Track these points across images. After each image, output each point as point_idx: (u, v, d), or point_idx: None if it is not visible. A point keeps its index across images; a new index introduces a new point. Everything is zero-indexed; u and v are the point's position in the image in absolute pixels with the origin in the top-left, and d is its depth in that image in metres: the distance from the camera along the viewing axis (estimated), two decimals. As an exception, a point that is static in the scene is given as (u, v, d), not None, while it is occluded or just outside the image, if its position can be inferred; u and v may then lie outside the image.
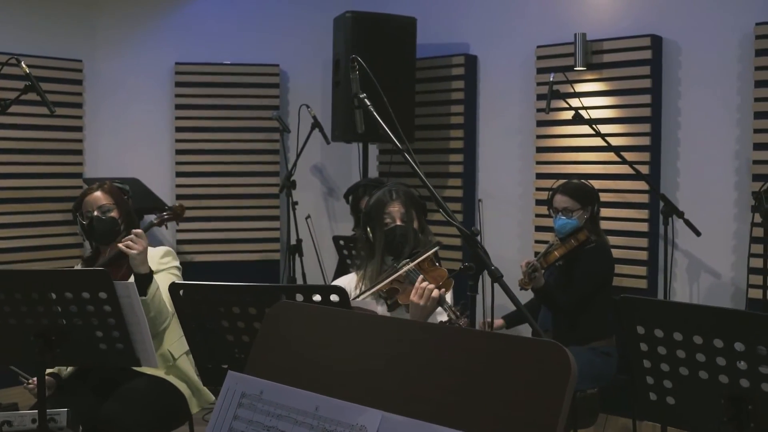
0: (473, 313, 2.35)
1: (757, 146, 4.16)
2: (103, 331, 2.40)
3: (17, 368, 2.94)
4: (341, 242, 4.05)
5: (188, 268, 4.24)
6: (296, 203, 5.06)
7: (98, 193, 3.06)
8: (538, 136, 4.92)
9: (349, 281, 2.88)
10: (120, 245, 2.85)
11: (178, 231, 5.62)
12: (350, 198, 4.16)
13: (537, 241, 4.87)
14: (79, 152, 5.54)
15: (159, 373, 2.93)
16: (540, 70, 4.87)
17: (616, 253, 4.01)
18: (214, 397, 3.05)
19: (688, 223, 3.96)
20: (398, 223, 2.82)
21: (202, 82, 5.63)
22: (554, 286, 3.75)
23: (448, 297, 2.67)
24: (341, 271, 4.00)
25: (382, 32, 4.94)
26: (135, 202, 3.25)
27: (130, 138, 5.67)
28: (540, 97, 4.80)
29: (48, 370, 2.79)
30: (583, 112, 4.15)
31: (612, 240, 4.10)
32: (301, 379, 1.20)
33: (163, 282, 2.86)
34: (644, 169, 4.39)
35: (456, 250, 5.14)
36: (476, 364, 1.08)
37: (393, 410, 1.08)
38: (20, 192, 5.22)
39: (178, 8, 5.75)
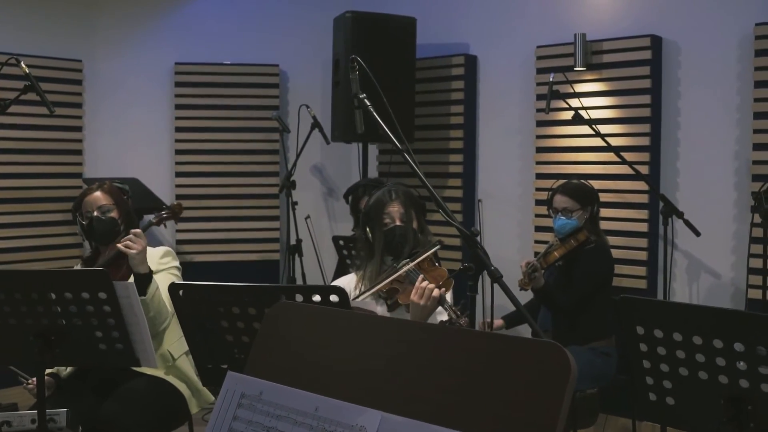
0: (473, 313, 2.35)
1: (757, 146, 4.16)
2: (102, 331, 2.40)
3: (17, 368, 2.94)
4: (341, 242, 4.05)
5: (188, 268, 4.24)
6: (296, 203, 5.06)
7: (98, 194, 3.06)
8: (538, 137, 4.92)
9: (348, 281, 2.88)
10: (119, 245, 2.85)
11: (178, 231, 5.62)
12: (350, 198, 4.16)
13: (537, 242, 4.87)
14: (79, 152, 5.54)
15: (158, 373, 2.93)
16: (540, 71, 4.87)
17: (615, 253, 4.02)
18: (213, 398, 3.04)
19: (687, 223, 3.96)
20: (397, 223, 2.82)
21: (201, 82, 5.63)
22: (554, 287, 3.75)
23: (448, 297, 2.67)
24: (341, 271, 4.00)
25: (382, 32, 4.94)
26: (134, 202, 3.25)
27: (130, 138, 5.67)
28: (540, 97, 4.80)
29: (47, 371, 2.79)
30: (582, 113, 4.15)
31: (612, 240, 4.10)
32: (301, 379, 1.20)
33: (162, 282, 2.86)
34: (644, 170, 4.39)
35: (456, 250, 5.14)
36: (476, 364, 1.08)
37: (392, 411, 1.07)
38: (20, 192, 5.22)
39: (178, 8, 5.75)
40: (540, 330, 2.26)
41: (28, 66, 3.47)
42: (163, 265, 3.06)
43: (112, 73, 5.64)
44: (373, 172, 5.52)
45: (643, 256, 4.52)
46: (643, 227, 4.52)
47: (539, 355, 1.04)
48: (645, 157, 4.48)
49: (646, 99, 4.49)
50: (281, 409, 1.16)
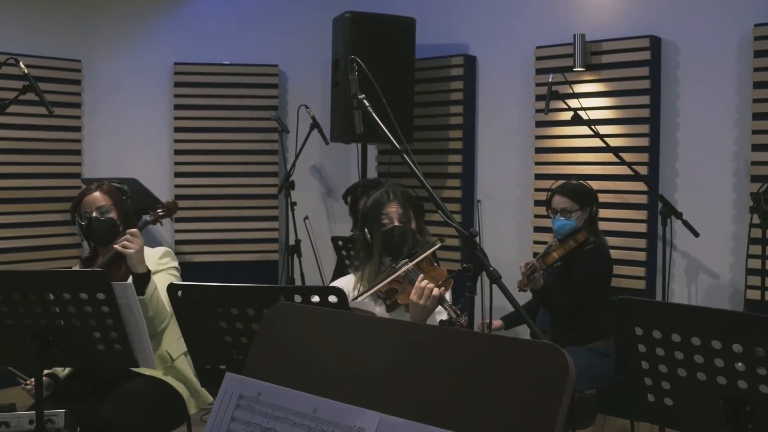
0: (472, 314, 2.35)
1: (756, 147, 4.16)
2: (100, 331, 2.40)
3: (15, 369, 2.94)
4: (340, 243, 4.05)
5: (187, 269, 4.23)
6: (295, 204, 5.05)
7: (97, 194, 3.06)
8: (537, 137, 4.92)
9: (347, 282, 2.87)
10: (116, 246, 2.86)
11: (177, 231, 5.62)
12: (349, 198, 4.16)
13: (536, 242, 4.88)
14: (78, 152, 5.54)
15: (157, 373, 2.93)
16: (539, 71, 4.87)
17: (614, 253, 4.02)
18: (212, 398, 3.04)
19: (686, 224, 3.96)
20: (396, 223, 2.82)
21: (201, 82, 5.63)
22: (553, 287, 3.75)
23: (447, 296, 2.67)
24: (340, 271, 4.00)
25: (381, 33, 4.94)
26: (133, 203, 3.24)
27: (129, 138, 5.67)
28: (539, 97, 4.80)
29: (45, 371, 2.79)
30: (582, 113, 4.15)
31: (610, 241, 4.10)
32: (299, 380, 1.20)
33: (161, 282, 2.86)
34: (643, 170, 4.39)
35: (455, 250, 5.14)
36: (475, 365, 1.08)
37: (391, 412, 1.07)
38: (18, 192, 5.22)
39: (177, 8, 5.75)
40: (538, 331, 2.26)
41: (26, 66, 3.46)
42: (162, 265, 3.06)
43: (111, 73, 5.64)
44: (372, 173, 5.52)
45: (641, 256, 4.52)
46: (642, 228, 4.52)
47: (538, 357, 1.04)
48: (644, 157, 4.48)
49: (645, 100, 4.50)
50: (279, 411, 1.16)
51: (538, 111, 4.81)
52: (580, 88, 4.62)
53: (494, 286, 2.18)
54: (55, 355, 2.40)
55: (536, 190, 4.89)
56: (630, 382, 2.05)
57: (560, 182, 3.92)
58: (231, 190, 5.68)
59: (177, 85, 5.63)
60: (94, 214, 3.02)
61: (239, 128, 5.67)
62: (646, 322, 1.94)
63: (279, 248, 5.74)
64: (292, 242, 5.04)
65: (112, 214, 3.05)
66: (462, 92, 5.25)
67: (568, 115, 4.28)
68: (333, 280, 3.38)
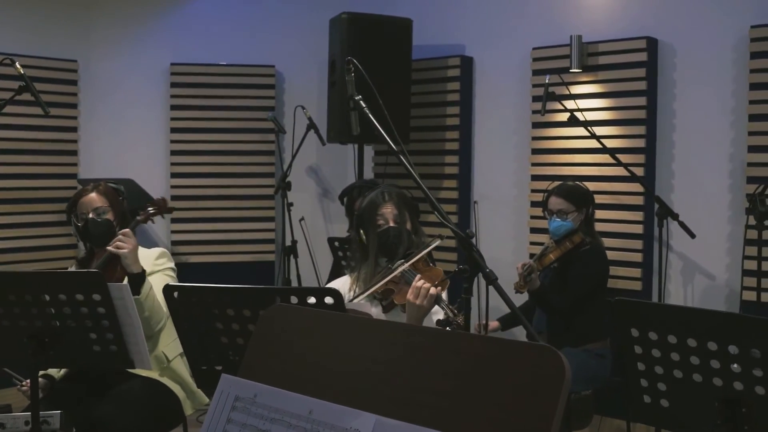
0: (468, 315, 2.35)
1: (752, 149, 4.17)
2: (96, 332, 2.39)
3: (10, 370, 2.93)
4: (336, 244, 4.04)
5: (183, 269, 4.23)
6: (291, 204, 5.05)
7: (93, 195, 3.05)
8: (534, 138, 4.93)
9: (343, 284, 2.87)
10: (109, 247, 2.86)
11: (173, 232, 5.61)
12: (345, 199, 4.16)
13: (532, 243, 4.88)
14: (74, 153, 5.53)
15: (153, 375, 2.92)
16: (536, 72, 4.88)
17: (610, 255, 4.02)
18: (208, 399, 3.04)
19: (682, 225, 3.97)
20: (391, 224, 2.82)
21: (197, 82, 5.63)
22: (549, 288, 3.76)
23: (443, 297, 2.67)
24: (336, 272, 4.00)
25: (377, 33, 4.94)
26: (129, 203, 3.23)
27: (125, 139, 5.66)
28: (535, 98, 4.81)
29: (41, 372, 2.78)
30: (578, 114, 4.16)
31: (607, 242, 4.11)
32: (296, 382, 1.20)
33: (158, 283, 2.85)
34: (639, 171, 4.40)
35: (451, 251, 5.14)
36: (471, 368, 1.08)
37: (387, 414, 1.07)
38: (14, 192, 5.21)
39: (174, 9, 5.74)
40: (535, 332, 2.26)
41: (22, 66, 3.46)
42: (158, 266, 3.06)
43: (108, 73, 5.63)
44: (368, 174, 5.52)
45: (638, 257, 4.53)
46: (638, 229, 4.53)
47: (534, 359, 1.04)
48: (640, 158, 4.49)
49: (641, 101, 4.50)
50: (275, 412, 1.16)
51: (534, 112, 4.82)
52: (576, 89, 4.63)
53: (490, 287, 2.18)
54: (51, 357, 2.40)
55: (533, 191, 4.89)
56: (626, 383, 2.05)
57: (557, 183, 3.92)
58: (227, 190, 5.68)
59: (173, 85, 5.62)
60: (91, 216, 3.02)
61: (236, 129, 5.67)
62: (642, 324, 1.95)
63: (275, 249, 5.74)
64: (288, 243, 5.04)
65: (109, 216, 3.04)
66: (459, 93, 5.25)
67: (564, 116, 4.28)
68: (329, 281, 3.38)
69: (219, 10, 5.78)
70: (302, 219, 5.26)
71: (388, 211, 2.83)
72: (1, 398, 4.19)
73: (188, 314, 2.26)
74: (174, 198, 5.55)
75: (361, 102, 2.46)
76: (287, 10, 5.83)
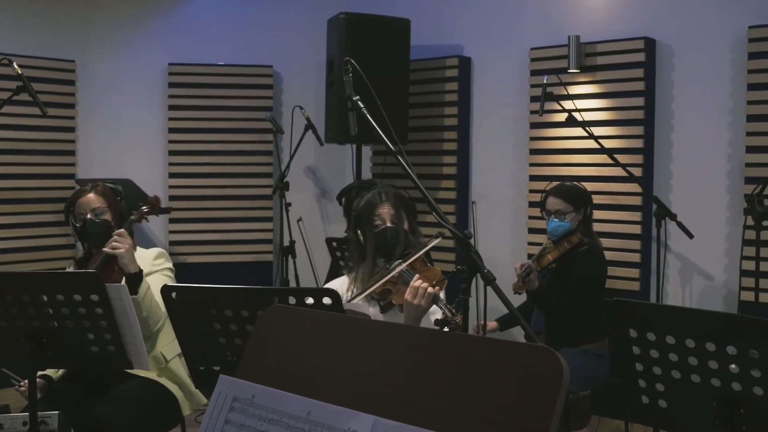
0: (466, 315, 2.35)
1: (750, 149, 4.17)
2: (94, 333, 2.39)
3: (8, 370, 2.93)
4: (334, 244, 4.04)
5: (181, 269, 4.23)
6: (289, 204, 5.05)
7: (91, 195, 3.05)
8: (532, 138, 4.93)
9: (340, 284, 2.87)
10: (105, 249, 2.86)
11: (171, 232, 5.61)
12: (343, 200, 4.16)
13: (530, 243, 4.88)
14: (72, 153, 5.53)
15: (151, 375, 2.92)
16: (534, 72, 4.88)
17: (608, 255, 4.02)
18: (206, 400, 3.04)
19: (680, 225, 3.97)
20: (388, 224, 2.82)
21: (195, 83, 5.62)
22: (547, 289, 3.76)
23: (441, 297, 2.67)
24: (334, 272, 4.00)
25: (376, 34, 4.94)
26: (127, 204, 3.23)
27: (123, 139, 5.66)
28: (533, 99, 4.81)
29: (39, 373, 2.78)
30: (576, 115, 4.16)
31: (605, 242, 4.11)
32: (294, 383, 1.19)
33: (156, 284, 2.85)
34: (637, 172, 4.40)
35: (449, 251, 5.14)
36: (469, 368, 1.08)
37: (385, 415, 1.07)
38: (12, 193, 5.21)
39: (172, 9, 5.74)
40: (533, 332, 2.26)
41: (20, 66, 3.46)
42: (156, 266, 3.05)
43: (106, 73, 5.63)
44: (366, 174, 5.52)
45: (636, 258, 4.53)
46: (636, 229, 4.53)
47: (532, 360, 1.04)
48: (638, 159, 4.49)
49: (639, 101, 4.50)
50: (273, 413, 1.16)
51: (532, 112, 4.82)
52: (574, 90, 4.63)
53: (489, 287, 2.18)
54: (49, 357, 2.39)
55: (531, 191, 4.89)
56: (624, 383, 2.05)
57: (554, 184, 3.92)
58: (225, 190, 5.67)
59: (171, 85, 5.62)
60: (89, 216, 3.02)
61: (234, 129, 5.67)
62: (640, 324, 1.95)
63: (273, 249, 5.74)
64: (286, 243, 5.03)
65: (107, 216, 3.04)
66: (457, 93, 5.26)
67: (562, 117, 4.28)
68: (327, 281, 3.38)
69: (217, 11, 5.78)
70: (300, 219, 5.26)
71: (385, 211, 2.83)
72: (0, 399, 4.19)
73: (186, 315, 2.25)
74: (172, 198, 5.54)
75: (359, 102, 2.46)
76: (285, 11, 5.83)
